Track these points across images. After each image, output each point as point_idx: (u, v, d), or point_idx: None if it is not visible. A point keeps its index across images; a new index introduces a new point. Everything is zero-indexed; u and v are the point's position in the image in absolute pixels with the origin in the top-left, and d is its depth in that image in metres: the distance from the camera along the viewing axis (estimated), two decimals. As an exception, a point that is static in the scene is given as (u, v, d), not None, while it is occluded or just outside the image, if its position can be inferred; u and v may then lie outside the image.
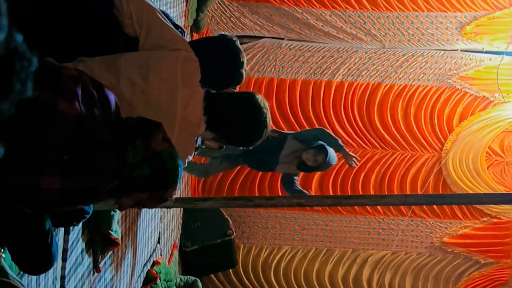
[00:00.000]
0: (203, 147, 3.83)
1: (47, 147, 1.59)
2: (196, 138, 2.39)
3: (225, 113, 2.33)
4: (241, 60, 2.54)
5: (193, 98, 2.23)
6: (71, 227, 2.83)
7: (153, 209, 4.68)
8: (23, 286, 2.17)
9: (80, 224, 2.84)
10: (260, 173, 5.50)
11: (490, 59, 5.50)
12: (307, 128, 5.52)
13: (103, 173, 1.71)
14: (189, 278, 5.18)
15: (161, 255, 4.90)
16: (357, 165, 4.62)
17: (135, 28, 2.18)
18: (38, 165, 1.58)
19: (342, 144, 4.49)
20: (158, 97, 2.11)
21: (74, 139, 1.61)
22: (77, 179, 1.66)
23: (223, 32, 2.94)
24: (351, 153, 4.60)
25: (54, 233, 2.09)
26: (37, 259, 2.06)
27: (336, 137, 4.57)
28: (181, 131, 2.19)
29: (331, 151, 4.46)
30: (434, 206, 5.52)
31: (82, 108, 1.62)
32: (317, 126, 5.47)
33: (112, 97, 1.73)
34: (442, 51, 5.60)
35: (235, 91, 2.69)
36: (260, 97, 2.33)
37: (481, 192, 5.41)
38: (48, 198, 1.60)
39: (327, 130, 4.79)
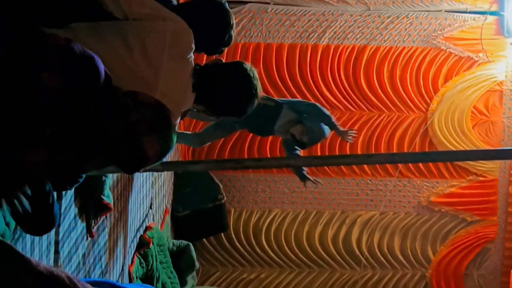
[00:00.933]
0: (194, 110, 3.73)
1: (29, 119, 1.54)
2: (181, 113, 2.33)
3: (214, 85, 2.31)
4: (231, 22, 2.51)
5: (179, 74, 2.18)
6: (64, 192, 2.83)
7: (144, 174, 4.66)
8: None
9: (73, 189, 2.87)
10: (249, 138, 5.49)
11: (474, 19, 5.47)
12: (296, 94, 5.49)
13: (88, 148, 1.68)
14: (181, 242, 5.24)
15: (153, 220, 4.93)
16: (352, 140, 4.67)
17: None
18: (20, 138, 1.54)
19: (335, 122, 4.51)
20: (143, 72, 2.05)
21: (57, 111, 1.57)
22: (61, 154, 1.62)
23: None
24: (344, 129, 4.62)
25: (54, 194, 2.10)
26: (39, 219, 2.08)
27: (329, 114, 4.55)
28: None
29: (322, 126, 4.46)
30: (421, 166, 5.61)
31: (67, 80, 1.57)
32: (305, 91, 5.44)
33: (101, 68, 1.68)
34: (426, 12, 5.54)
35: (222, 61, 2.51)
36: (248, 66, 2.31)
37: (466, 149, 5.47)
38: (31, 172, 1.58)
39: (320, 106, 4.75)
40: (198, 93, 2.21)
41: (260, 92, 2.34)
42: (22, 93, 1.53)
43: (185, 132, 5.39)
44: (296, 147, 4.63)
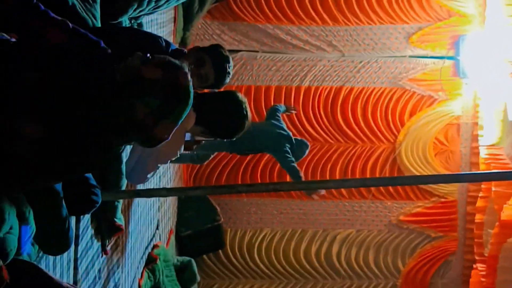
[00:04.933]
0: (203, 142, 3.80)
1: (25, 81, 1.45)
2: (185, 133, 2.50)
3: (212, 109, 2.43)
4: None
5: None
6: (82, 216, 2.95)
7: (152, 199, 4.81)
8: None
9: (89, 214, 2.96)
10: (243, 166, 5.76)
11: (434, 63, 5.84)
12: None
13: (88, 122, 1.53)
14: (184, 258, 5.43)
15: (160, 239, 5.11)
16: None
17: None
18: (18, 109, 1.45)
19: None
20: None
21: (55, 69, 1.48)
22: (61, 130, 1.50)
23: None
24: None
25: (70, 220, 2.20)
26: (57, 242, 2.18)
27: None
28: None
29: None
30: (391, 189, 5.92)
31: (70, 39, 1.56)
32: (291, 126, 5.61)
33: (101, 41, 1.66)
34: (393, 58, 5.90)
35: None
36: (240, 95, 2.48)
37: (428, 174, 5.83)
38: (30, 146, 1.46)
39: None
40: (198, 114, 2.32)
41: (250, 116, 2.49)
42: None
43: (184, 153, 5.60)
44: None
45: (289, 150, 4.59)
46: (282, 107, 4.96)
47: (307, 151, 4.77)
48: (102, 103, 1.50)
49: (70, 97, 1.48)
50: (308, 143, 4.80)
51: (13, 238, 1.77)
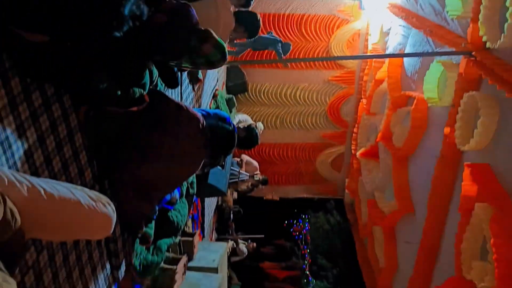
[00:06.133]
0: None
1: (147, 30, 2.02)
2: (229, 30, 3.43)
3: (244, 16, 3.52)
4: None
5: (227, 15, 3.25)
6: (182, 73, 3.72)
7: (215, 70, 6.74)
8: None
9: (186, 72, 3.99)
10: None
11: (350, 2, 8.81)
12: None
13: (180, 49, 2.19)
14: (228, 95, 7.93)
15: (218, 86, 6.95)
16: None
17: None
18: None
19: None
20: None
21: (163, 33, 2.09)
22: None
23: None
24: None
25: (178, 72, 2.91)
26: (173, 80, 2.87)
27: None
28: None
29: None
30: (324, 63, 8.93)
31: (171, 18, 2.11)
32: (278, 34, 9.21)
33: (194, 13, 2.20)
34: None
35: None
36: (257, 13, 3.57)
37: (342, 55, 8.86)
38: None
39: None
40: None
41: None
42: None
43: None
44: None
45: (280, 46, 6.80)
46: (279, 44, 6.84)
47: (290, 48, 7.10)
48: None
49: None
50: (291, 44, 7.08)
51: None
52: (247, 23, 3.63)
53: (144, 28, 2.12)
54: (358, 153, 7.99)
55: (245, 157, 8.56)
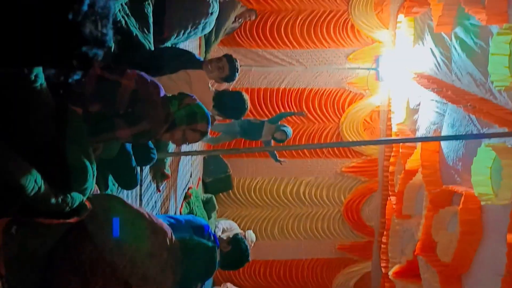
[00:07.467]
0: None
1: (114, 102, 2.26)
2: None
3: (225, 98, 3.66)
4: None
5: (204, 94, 3.29)
6: (144, 167, 3.89)
7: (187, 157, 6.18)
8: None
9: (148, 166, 4.02)
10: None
11: (363, 72, 8.47)
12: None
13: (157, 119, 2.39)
14: (208, 195, 7.77)
15: (192, 183, 6.86)
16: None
17: None
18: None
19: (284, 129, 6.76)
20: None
21: (132, 99, 2.31)
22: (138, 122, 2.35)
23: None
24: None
25: (137, 168, 3.01)
26: (130, 181, 3.12)
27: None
28: None
29: (287, 129, 6.70)
30: (336, 151, 8.72)
31: (138, 84, 2.35)
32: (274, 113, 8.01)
33: (159, 83, 2.46)
34: (338, 69, 8.51)
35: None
36: (244, 93, 3.88)
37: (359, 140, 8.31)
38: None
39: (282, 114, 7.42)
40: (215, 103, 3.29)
41: (249, 104, 3.80)
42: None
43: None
44: (268, 142, 6.94)
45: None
46: (289, 112, 7.40)
47: (288, 135, 7.01)
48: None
49: None
50: (291, 130, 7.00)
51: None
52: (227, 108, 3.86)
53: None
54: (390, 273, 7.65)
55: (231, 287, 8.25)
